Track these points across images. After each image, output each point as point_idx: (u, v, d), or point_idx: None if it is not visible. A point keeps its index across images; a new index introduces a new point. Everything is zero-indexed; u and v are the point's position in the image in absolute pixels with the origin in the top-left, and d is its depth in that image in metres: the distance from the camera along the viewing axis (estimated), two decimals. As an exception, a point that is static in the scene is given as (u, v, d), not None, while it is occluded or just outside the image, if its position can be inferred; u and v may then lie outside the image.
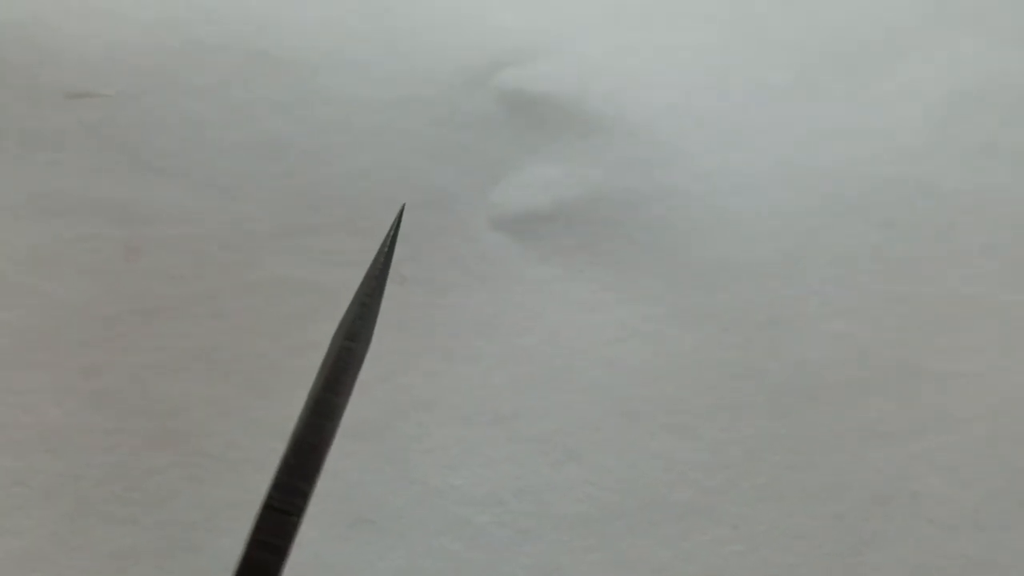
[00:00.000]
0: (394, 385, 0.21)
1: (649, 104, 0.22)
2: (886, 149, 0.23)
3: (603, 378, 0.21)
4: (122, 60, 0.23)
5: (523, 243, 0.21)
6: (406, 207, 0.21)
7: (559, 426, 0.20)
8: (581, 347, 0.21)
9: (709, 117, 0.22)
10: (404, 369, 0.21)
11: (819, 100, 0.23)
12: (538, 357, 0.21)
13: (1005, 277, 0.22)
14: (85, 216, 0.21)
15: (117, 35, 0.23)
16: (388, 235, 0.16)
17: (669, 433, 0.20)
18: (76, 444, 0.20)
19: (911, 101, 0.24)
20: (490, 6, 0.24)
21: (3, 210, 0.21)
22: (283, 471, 0.14)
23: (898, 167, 0.23)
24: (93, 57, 0.23)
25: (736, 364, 0.20)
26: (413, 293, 0.21)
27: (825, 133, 0.23)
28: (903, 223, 0.22)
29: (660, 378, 0.21)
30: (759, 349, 0.21)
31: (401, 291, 0.21)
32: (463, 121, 0.22)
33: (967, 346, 0.21)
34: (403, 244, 0.21)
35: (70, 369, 0.20)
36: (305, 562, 0.19)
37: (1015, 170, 0.23)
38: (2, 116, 0.22)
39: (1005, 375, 0.21)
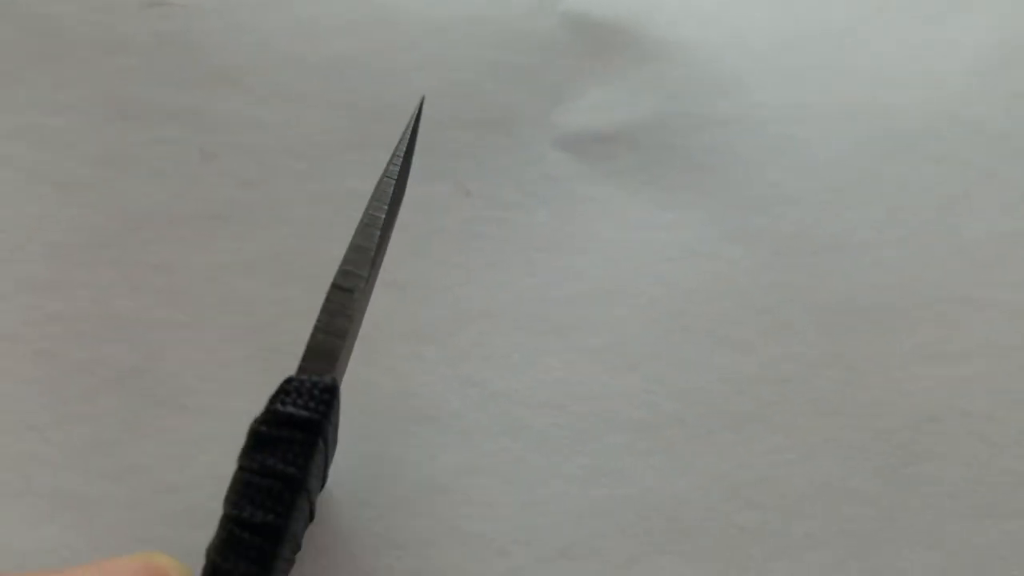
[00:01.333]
0: (457, 295, 0.21)
1: (713, 34, 0.23)
2: (938, 92, 0.24)
3: (659, 294, 0.21)
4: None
5: (583, 163, 0.22)
6: (467, 123, 0.22)
7: (616, 338, 0.21)
8: (638, 265, 0.21)
9: (771, 51, 0.23)
10: (467, 280, 0.21)
11: (878, 43, 0.24)
12: (596, 273, 0.21)
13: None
14: (158, 121, 0.22)
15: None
16: (411, 119, 0.17)
17: (724, 347, 0.21)
18: (148, 337, 0.20)
19: (963, 48, 0.24)
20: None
21: (79, 114, 0.22)
22: (344, 264, 0.16)
23: (949, 108, 0.23)
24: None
25: (789, 286, 0.21)
26: (476, 207, 0.22)
27: (882, 74, 0.23)
28: (953, 161, 0.23)
29: (714, 296, 0.21)
30: (811, 273, 0.21)
31: (465, 204, 0.22)
32: (528, 44, 0.22)
33: (1011, 279, 0.22)
34: (468, 160, 0.22)
35: (142, 266, 0.21)
36: (371, 454, 0.20)
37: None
38: (78, 25, 0.22)
39: (1052, 305, 0.21)
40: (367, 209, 0.16)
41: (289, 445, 0.14)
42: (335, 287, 0.16)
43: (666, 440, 0.20)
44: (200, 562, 0.15)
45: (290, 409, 0.14)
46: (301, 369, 0.15)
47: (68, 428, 0.20)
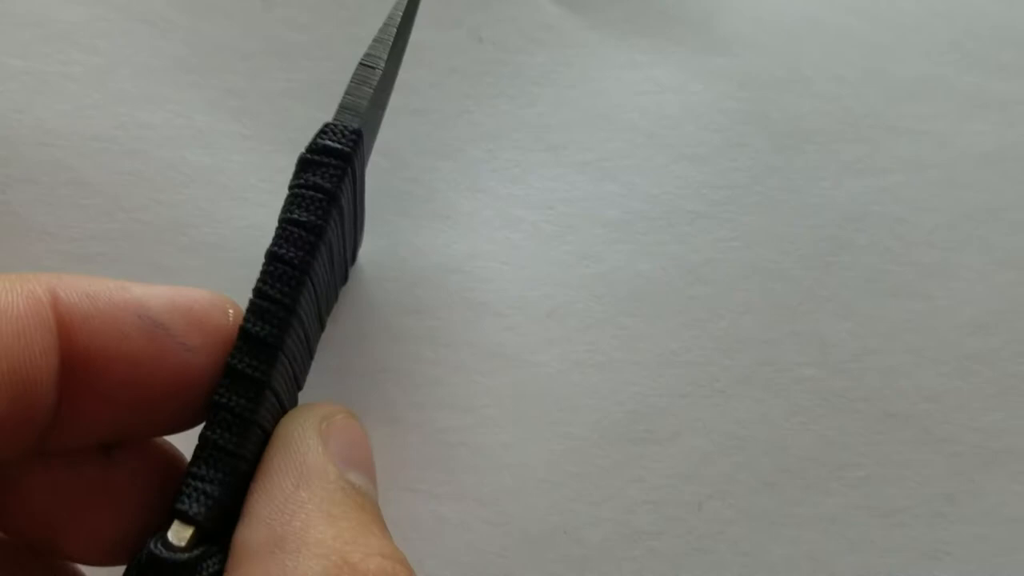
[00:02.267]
0: (468, 120, 0.26)
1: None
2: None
3: (636, 121, 0.26)
4: None
5: (577, 14, 0.26)
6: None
7: (599, 155, 0.25)
8: (619, 98, 0.26)
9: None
10: (477, 108, 0.26)
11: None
12: (584, 104, 0.26)
13: (961, 64, 0.26)
14: (228, -24, 0.26)
15: None
16: None
17: (687, 161, 0.25)
18: (219, 144, 0.25)
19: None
20: None
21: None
22: (367, 51, 0.20)
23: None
24: None
25: (745, 112, 0.25)
26: (486, 51, 0.26)
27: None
28: (882, 16, 0.27)
29: (679, 122, 0.25)
30: (761, 103, 0.25)
31: (478, 48, 0.26)
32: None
33: (927, 112, 0.26)
34: (480, 12, 0.26)
35: (216, 89, 0.26)
36: (397, 242, 0.25)
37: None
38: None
39: (958, 136, 0.25)
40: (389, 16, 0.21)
41: (327, 168, 0.18)
42: (361, 65, 0.20)
43: (634, 232, 0.24)
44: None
45: (327, 142, 0.19)
46: (335, 119, 0.19)
47: (154, 211, 0.25)
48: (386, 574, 0.16)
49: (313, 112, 0.26)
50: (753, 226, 0.25)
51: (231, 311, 0.18)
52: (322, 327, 0.21)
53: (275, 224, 0.19)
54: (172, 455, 0.19)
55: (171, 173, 0.25)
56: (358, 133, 0.19)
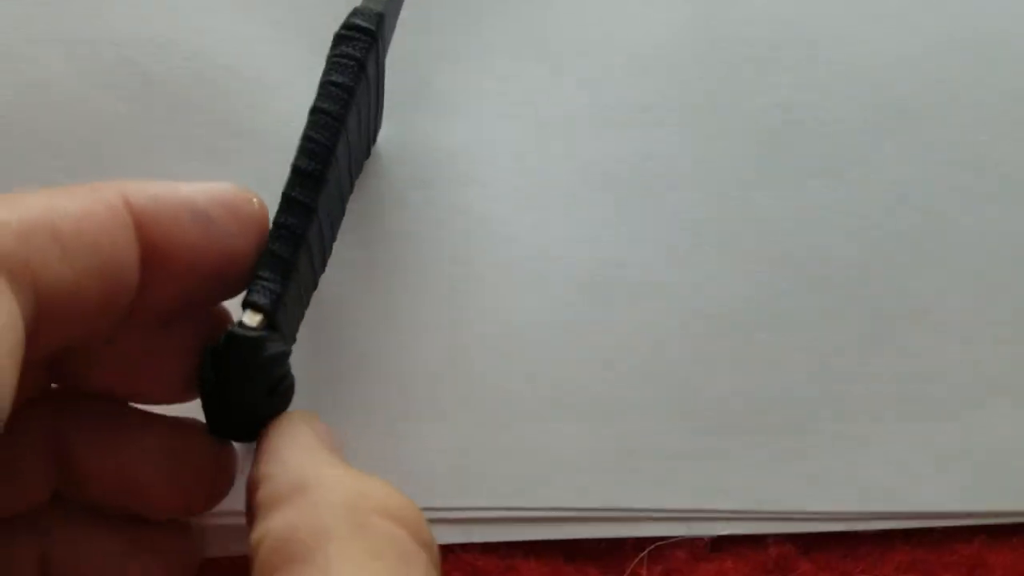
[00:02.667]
0: (476, 30, 0.30)
1: None
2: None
3: (626, 45, 0.30)
4: None
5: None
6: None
7: (593, 73, 0.30)
8: (611, 19, 0.30)
9: None
10: (482, 20, 0.30)
11: None
12: (584, 20, 0.30)
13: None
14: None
15: None
16: None
17: (660, 75, 0.30)
18: (256, 51, 0.30)
19: None
20: None
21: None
22: None
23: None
24: None
25: (709, 38, 0.30)
26: None
27: None
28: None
29: (662, 41, 0.30)
30: (731, 28, 0.30)
31: None
32: None
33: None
34: None
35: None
36: (413, 134, 0.29)
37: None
38: None
39: (874, 43, 0.30)
40: None
41: (357, 40, 0.23)
42: None
43: (615, 124, 0.29)
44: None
45: (357, 21, 0.23)
46: (362, 5, 0.24)
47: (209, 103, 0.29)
48: (396, 503, 0.19)
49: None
50: (703, 121, 0.30)
51: (255, 200, 0.22)
52: (352, 188, 0.26)
53: (305, 114, 0.23)
54: (221, 315, 0.24)
55: (218, 72, 0.29)
56: (381, 15, 0.24)
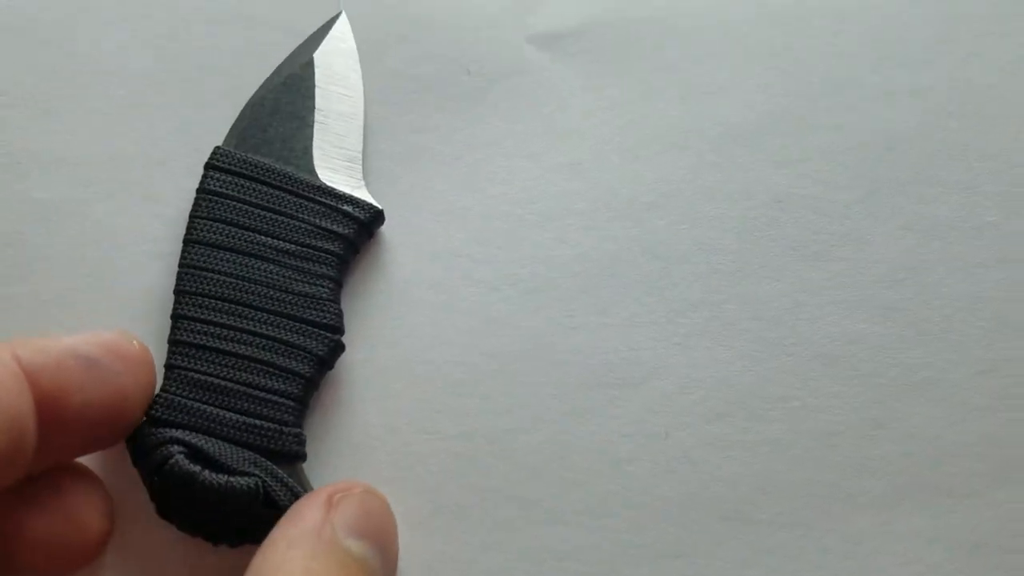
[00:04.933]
0: (463, 135, 0.31)
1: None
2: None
3: (598, 130, 0.31)
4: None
5: (544, 51, 0.32)
6: (470, 24, 0.32)
7: (570, 160, 0.31)
8: (583, 114, 0.31)
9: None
10: (469, 126, 0.31)
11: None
12: (556, 118, 0.31)
13: (868, 62, 0.32)
14: None
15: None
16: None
17: (640, 161, 0.31)
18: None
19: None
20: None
21: None
22: None
23: None
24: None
25: (686, 120, 0.31)
26: (474, 81, 0.32)
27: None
28: None
29: (633, 129, 0.31)
30: (702, 111, 0.31)
31: (468, 79, 0.32)
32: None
33: (843, 106, 0.31)
34: (471, 49, 0.32)
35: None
36: (407, 233, 0.30)
37: None
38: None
39: (865, 124, 0.31)
40: None
41: (210, 178, 0.28)
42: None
43: (600, 220, 0.30)
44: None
45: (210, 160, 0.28)
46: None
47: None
48: None
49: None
50: (696, 211, 0.30)
51: (136, 341, 0.24)
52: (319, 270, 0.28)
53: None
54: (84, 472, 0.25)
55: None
56: (228, 152, 0.28)
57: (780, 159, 0.31)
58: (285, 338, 0.26)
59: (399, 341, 0.29)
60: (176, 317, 0.26)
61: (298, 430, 0.26)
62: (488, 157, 0.31)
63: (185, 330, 0.26)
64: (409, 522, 0.27)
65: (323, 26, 0.31)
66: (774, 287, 0.30)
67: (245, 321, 0.26)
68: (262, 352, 0.26)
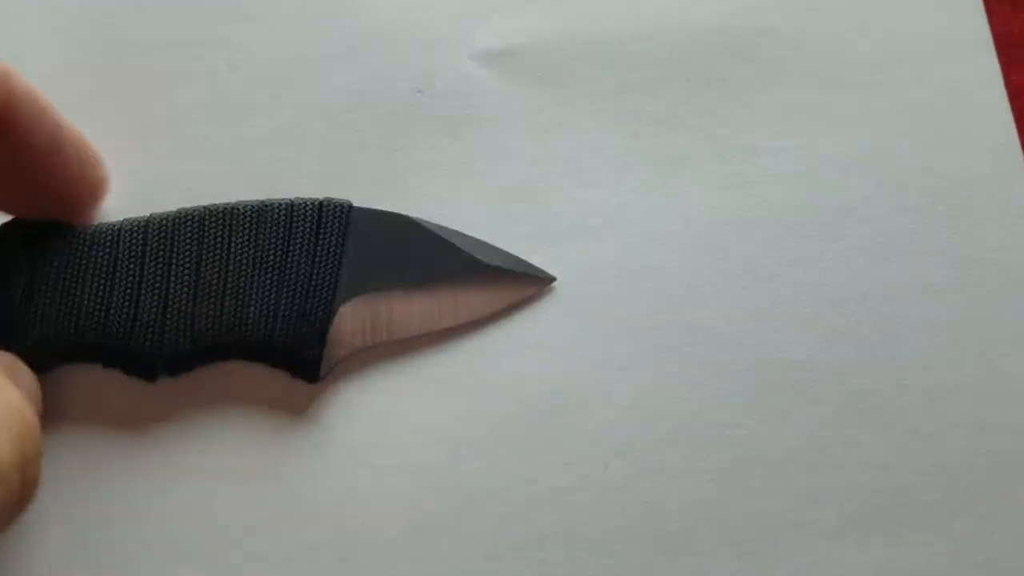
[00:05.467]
0: (404, 154, 0.31)
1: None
2: None
3: (541, 153, 0.31)
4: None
5: (488, 68, 0.32)
6: (420, 44, 0.31)
7: (514, 181, 0.30)
8: (527, 135, 0.31)
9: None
10: (413, 144, 0.31)
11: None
12: (500, 139, 0.31)
13: (816, 87, 0.31)
14: None
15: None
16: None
17: (583, 185, 0.30)
18: None
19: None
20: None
21: None
22: None
23: None
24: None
25: (629, 146, 0.31)
26: (421, 99, 0.31)
27: None
28: None
29: (579, 152, 0.31)
30: (645, 136, 0.31)
31: (416, 98, 0.31)
32: None
33: (791, 131, 0.31)
34: (418, 67, 0.31)
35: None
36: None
37: None
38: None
39: (814, 148, 0.31)
40: None
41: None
42: None
43: (543, 243, 0.30)
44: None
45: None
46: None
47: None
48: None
49: (273, 153, 0.31)
50: (640, 234, 0.30)
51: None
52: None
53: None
54: None
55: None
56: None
57: (725, 183, 0.30)
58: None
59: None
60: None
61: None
62: (430, 178, 0.30)
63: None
64: (336, 556, 0.26)
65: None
66: (719, 311, 0.29)
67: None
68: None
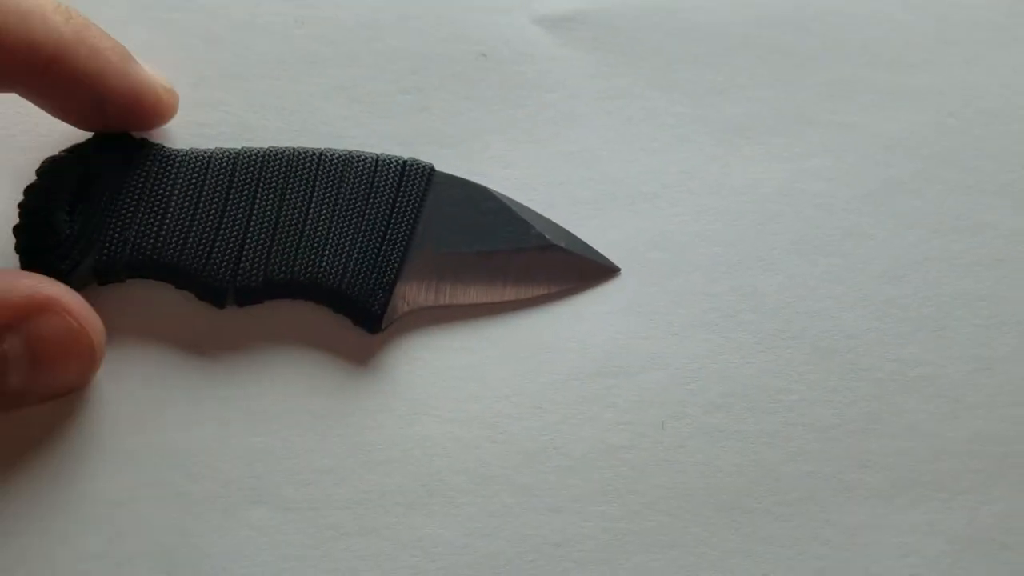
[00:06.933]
0: (468, 117, 0.31)
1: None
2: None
3: (604, 120, 0.31)
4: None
5: (552, 33, 0.32)
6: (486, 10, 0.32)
7: (576, 148, 0.31)
8: (590, 101, 0.31)
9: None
10: (475, 108, 0.31)
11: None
12: (562, 106, 0.31)
13: (872, 63, 0.32)
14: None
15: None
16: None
17: (645, 152, 0.31)
18: (260, 137, 0.30)
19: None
20: None
21: None
22: None
23: None
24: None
25: (691, 114, 0.31)
26: (484, 63, 0.31)
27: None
28: None
29: (641, 120, 0.31)
30: (707, 106, 0.31)
31: (479, 61, 0.31)
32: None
33: (846, 107, 0.31)
34: (482, 31, 0.32)
35: (260, 91, 0.31)
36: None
37: None
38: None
39: (869, 124, 0.31)
40: None
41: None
42: None
43: (603, 209, 0.30)
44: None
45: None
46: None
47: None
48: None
49: (338, 110, 0.31)
50: (698, 203, 0.30)
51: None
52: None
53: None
54: None
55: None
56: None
57: (783, 154, 0.31)
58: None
59: (405, 324, 0.29)
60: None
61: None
62: (490, 142, 0.31)
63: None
64: (404, 503, 0.27)
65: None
66: (774, 280, 0.30)
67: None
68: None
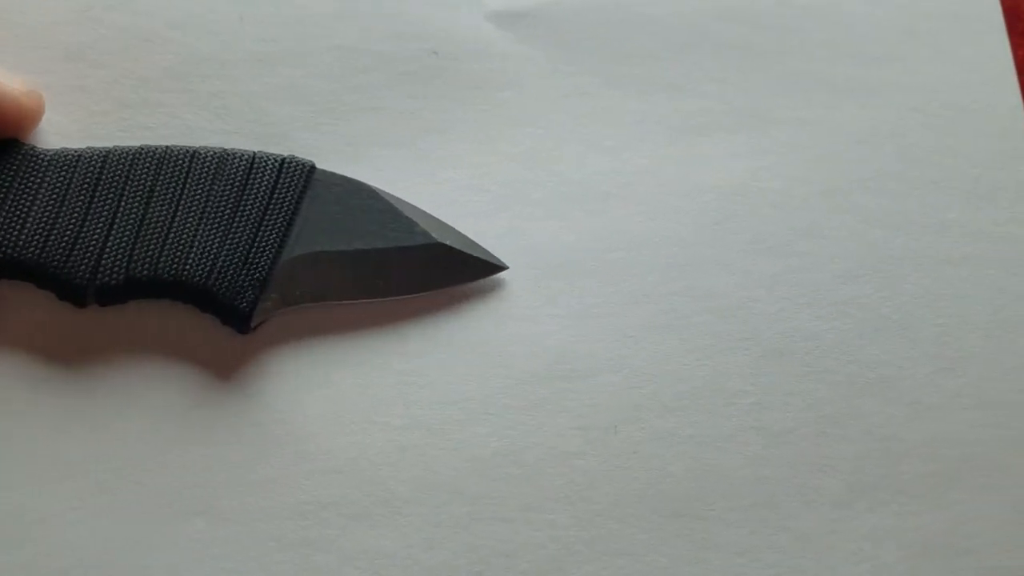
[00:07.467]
0: (418, 116, 0.30)
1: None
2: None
3: (559, 119, 0.30)
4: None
5: (507, 31, 0.31)
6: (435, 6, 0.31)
7: (527, 148, 0.30)
8: (544, 100, 0.31)
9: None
10: (426, 107, 0.30)
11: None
12: (514, 104, 0.30)
13: (830, 58, 0.31)
14: None
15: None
16: None
17: (598, 151, 0.30)
18: (202, 139, 0.30)
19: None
20: None
21: None
22: None
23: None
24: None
25: (644, 112, 0.30)
26: (436, 61, 0.31)
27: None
28: None
29: (595, 118, 0.30)
30: (662, 104, 0.31)
31: (430, 59, 0.31)
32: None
33: (804, 102, 0.31)
34: (433, 28, 0.31)
35: (202, 93, 0.30)
36: None
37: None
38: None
39: (827, 120, 0.31)
40: None
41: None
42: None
43: (556, 210, 0.29)
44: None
45: None
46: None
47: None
48: None
49: (284, 110, 0.30)
50: (652, 202, 0.30)
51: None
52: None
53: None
54: None
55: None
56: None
57: (740, 152, 0.30)
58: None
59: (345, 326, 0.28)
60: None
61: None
62: (442, 142, 0.30)
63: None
64: (350, 514, 0.27)
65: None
66: (729, 280, 0.29)
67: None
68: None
